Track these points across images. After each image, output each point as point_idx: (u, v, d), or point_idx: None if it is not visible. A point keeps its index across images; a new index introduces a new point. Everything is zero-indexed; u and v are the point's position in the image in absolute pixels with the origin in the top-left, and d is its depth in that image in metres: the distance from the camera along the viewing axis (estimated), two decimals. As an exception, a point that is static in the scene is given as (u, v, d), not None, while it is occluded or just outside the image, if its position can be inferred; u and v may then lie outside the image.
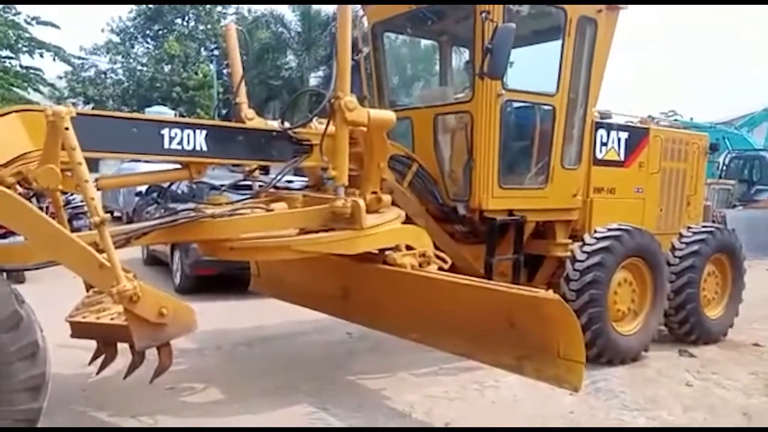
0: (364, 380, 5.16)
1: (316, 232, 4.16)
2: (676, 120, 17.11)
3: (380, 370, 5.38)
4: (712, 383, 5.27)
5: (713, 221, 12.63)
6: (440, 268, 4.38)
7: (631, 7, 6.15)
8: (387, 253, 4.34)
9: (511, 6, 5.24)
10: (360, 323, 5.06)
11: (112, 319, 3.76)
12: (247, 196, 4.66)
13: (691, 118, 21.08)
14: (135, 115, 4.21)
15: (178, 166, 4.17)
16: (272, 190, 4.84)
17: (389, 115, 4.42)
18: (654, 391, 5.01)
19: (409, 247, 4.42)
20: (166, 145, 3.92)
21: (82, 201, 11.11)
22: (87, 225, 11.17)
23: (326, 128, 4.21)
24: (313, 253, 4.06)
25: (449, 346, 4.18)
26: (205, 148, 4.06)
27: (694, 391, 5.07)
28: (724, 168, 19.72)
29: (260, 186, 4.84)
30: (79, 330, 3.98)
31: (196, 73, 35.24)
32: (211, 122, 4.31)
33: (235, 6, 40.69)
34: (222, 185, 5.52)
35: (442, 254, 4.49)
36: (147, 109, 24.61)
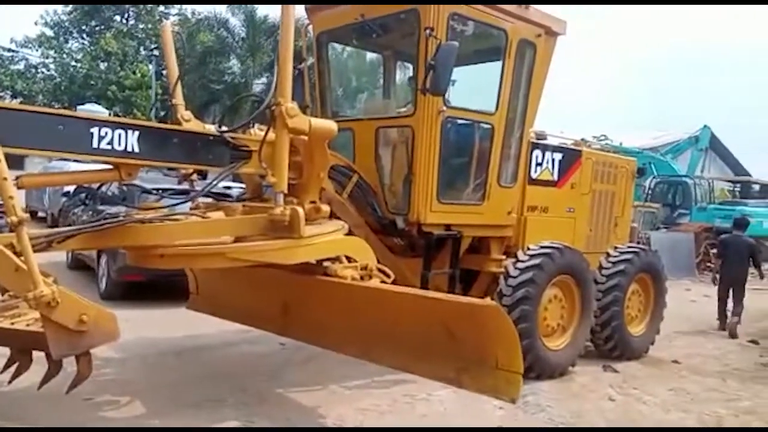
0: (294, 393, 5.07)
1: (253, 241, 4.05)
2: (606, 144, 17.91)
3: (312, 382, 5.31)
4: (633, 398, 5.47)
5: (638, 242, 13.21)
6: (382, 282, 4.31)
7: (567, 34, 6.39)
8: (327, 264, 4.25)
9: (454, 24, 5.33)
10: (300, 339, 4.92)
11: (27, 325, 3.56)
12: (182, 201, 4.49)
13: (621, 143, 22.10)
14: (62, 111, 3.99)
15: (109, 166, 4.00)
16: (205, 198, 4.73)
17: (331, 124, 4.38)
18: (579, 406, 5.15)
19: (351, 260, 4.34)
20: (95, 145, 3.72)
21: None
22: (8, 224, 10.64)
23: (266, 134, 4.13)
24: (248, 262, 3.94)
25: (389, 360, 4.10)
26: (137, 150, 3.88)
27: (616, 406, 5.25)
28: (650, 192, 20.70)
29: (196, 191, 4.69)
30: (-9, 336, 3.73)
31: (134, 73, 34.21)
32: (144, 123, 4.15)
33: (179, 7, 39.92)
34: (155, 189, 5.32)
35: (384, 268, 4.43)
36: (79, 107, 23.58)
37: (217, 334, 6.59)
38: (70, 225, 10.28)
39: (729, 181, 27.64)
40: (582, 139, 8.74)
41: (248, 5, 28.37)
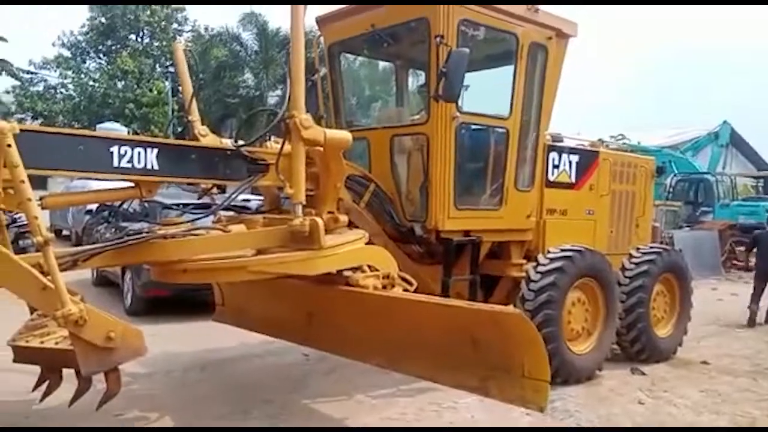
0: (319, 403, 5.08)
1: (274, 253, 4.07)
2: (624, 143, 17.75)
3: (337, 392, 5.31)
4: (663, 401, 5.39)
5: (661, 242, 13.06)
6: (405, 290, 4.29)
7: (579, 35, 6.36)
8: (349, 274, 4.22)
9: (464, 30, 5.34)
10: (325, 350, 4.91)
11: (56, 343, 3.60)
12: (203, 216, 4.54)
13: (639, 142, 21.90)
14: (83, 131, 4.06)
15: (130, 184, 4.06)
16: (226, 212, 4.77)
17: (345, 134, 4.40)
18: (607, 410, 5.08)
19: (373, 269, 4.31)
20: (116, 163, 3.80)
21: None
22: (34, 244, 10.83)
23: (282, 146, 4.16)
24: (270, 274, 3.95)
25: (413, 369, 4.06)
26: (156, 167, 3.95)
27: (645, 409, 5.17)
28: (671, 190, 20.45)
29: (215, 205, 4.73)
30: (22, 355, 3.79)
31: (151, 90, 34.68)
32: (162, 140, 4.21)
33: (192, 23, 40.45)
34: (176, 204, 5.38)
35: (407, 276, 4.40)
36: (98, 126, 23.98)
37: (240, 346, 6.63)
38: (94, 242, 10.44)
39: (751, 176, 27.20)
40: (599, 140, 8.68)
41: (260, 19, 28.68)
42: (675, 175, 20.55)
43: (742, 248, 17.65)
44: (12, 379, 4.29)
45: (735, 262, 17.53)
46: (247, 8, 29.08)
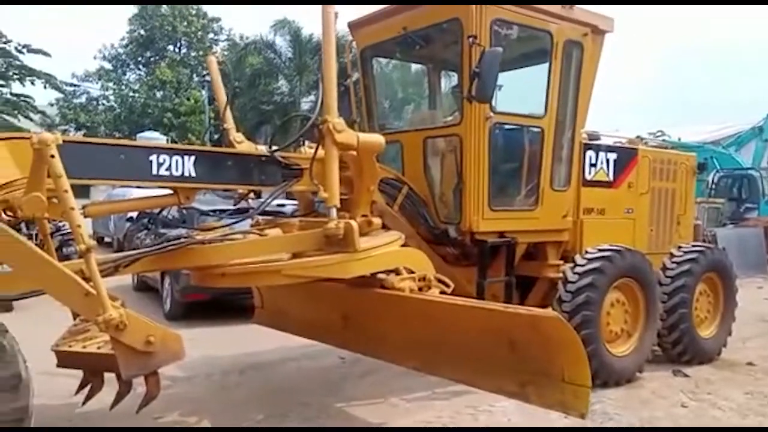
0: (356, 406, 5.09)
1: (310, 256, 4.10)
2: (663, 140, 17.34)
3: (373, 395, 5.31)
4: (708, 404, 5.24)
5: (704, 240, 12.69)
6: (442, 293, 4.26)
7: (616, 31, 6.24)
8: (384, 277, 4.23)
9: (497, 30, 5.29)
10: (361, 352, 4.91)
11: (98, 348, 3.69)
12: (239, 220, 4.61)
13: (679, 138, 21.35)
14: (122, 141, 4.18)
15: (168, 191, 4.15)
16: (263, 216, 4.83)
17: (378, 138, 4.41)
18: (649, 413, 4.97)
19: (409, 271, 4.31)
20: (155, 171, 3.89)
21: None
22: (77, 252, 11.16)
23: (315, 151, 4.19)
24: (305, 278, 3.98)
25: (450, 373, 4.03)
26: (193, 174, 4.03)
27: (689, 412, 5.03)
28: (713, 187, 19.87)
29: (251, 210, 4.80)
30: (65, 359, 3.90)
31: (188, 99, 35.48)
32: (199, 148, 4.30)
33: (227, 32, 41.19)
34: (213, 210, 5.48)
35: (443, 278, 4.37)
36: (139, 135, 24.62)
37: (278, 350, 6.70)
38: (134, 249, 10.70)
39: (798, 171, 26.20)
40: (637, 137, 8.50)
41: (294, 25, 29.01)
42: (717, 171, 19.96)
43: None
44: (56, 382, 4.42)
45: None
46: (279, 15, 29.50)
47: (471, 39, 5.07)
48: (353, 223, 3.99)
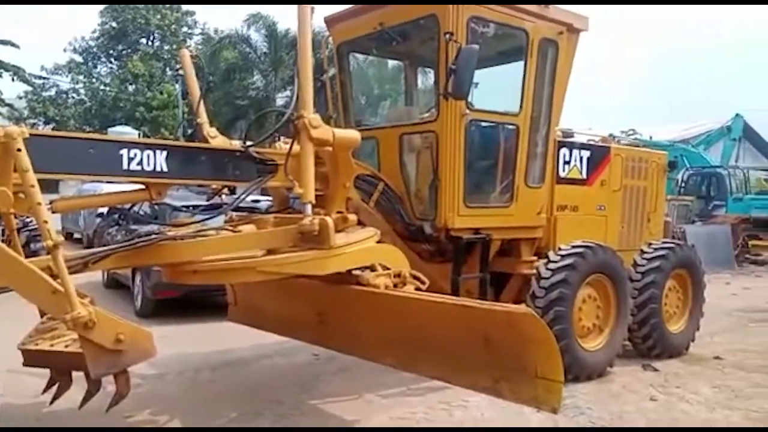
0: (330, 403, 5.07)
1: (284, 253, 4.06)
2: (635, 139, 17.62)
3: (347, 392, 5.30)
4: (676, 397, 5.33)
5: (673, 237, 12.94)
6: (417, 289, 4.26)
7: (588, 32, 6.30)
8: (359, 273, 4.21)
9: (474, 27, 5.31)
10: (336, 349, 4.89)
11: (66, 346, 3.61)
12: (212, 216, 4.55)
13: (650, 137, 21.71)
14: (92, 135, 4.08)
15: (140, 187, 4.08)
16: (237, 212, 4.77)
17: (354, 134, 4.39)
18: (619, 407, 5.04)
19: (384, 268, 4.29)
20: (125, 166, 3.81)
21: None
22: (44, 248, 10.92)
23: (291, 147, 4.15)
24: (280, 275, 3.94)
25: (425, 369, 4.04)
26: (165, 169, 3.96)
27: (658, 406, 5.12)
28: (683, 185, 20.28)
29: (224, 206, 4.74)
30: (32, 358, 3.81)
31: (161, 93, 34.92)
32: (171, 142, 4.23)
33: (202, 26, 40.67)
34: (185, 206, 5.40)
35: (419, 274, 4.37)
36: (110, 129, 24.20)
37: (251, 347, 6.64)
38: (105, 245, 10.51)
39: (765, 169, 26.86)
40: (610, 135, 8.61)
41: (269, 19, 28.73)
42: (687, 170, 20.36)
43: (756, 242, 17.58)
44: (22, 381, 4.32)
45: (747, 255, 17.39)
46: (253, 9, 29.19)
47: (447, 36, 5.08)
48: (328, 219, 3.96)
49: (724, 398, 5.33)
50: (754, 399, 5.31)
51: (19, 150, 3.08)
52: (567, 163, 6.53)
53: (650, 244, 6.85)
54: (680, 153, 19.86)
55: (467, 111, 5.32)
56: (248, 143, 4.46)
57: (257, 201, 8.78)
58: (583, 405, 4.99)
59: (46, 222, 3.09)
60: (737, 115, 22.27)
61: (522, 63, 5.77)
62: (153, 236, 3.89)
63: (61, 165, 3.64)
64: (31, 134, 3.24)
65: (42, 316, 4.16)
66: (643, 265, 6.51)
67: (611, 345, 5.95)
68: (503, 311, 3.50)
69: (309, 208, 3.98)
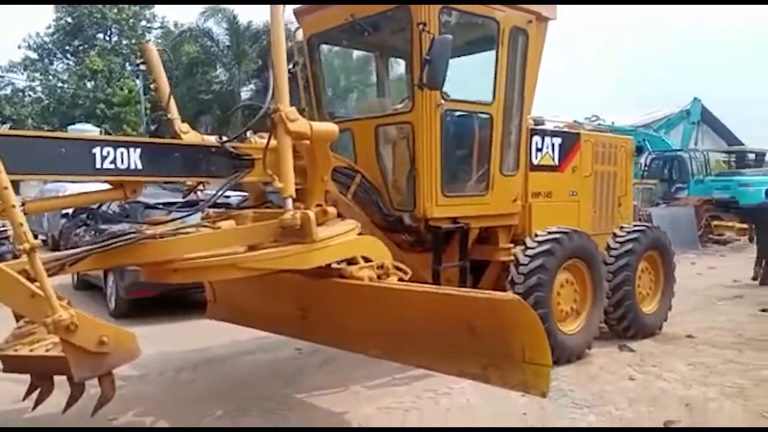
0: (316, 396, 5.07)
1: (266, 248, 4.01)
2: (598, 125, 17.89)
3: (332, 385, 5.29)
4: (653, 376, 5.48)
5: (639, 220, 13.26)
6: (400, 280, 4.27)
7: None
8: (342, 266, 4.20)
9: (446, 17, 5.32)
10: (321, 343, 4.88)
11: (47, 350, 3.52)
12: (189, 213, 4.47)
13: (613, 122, 22.09)
14: (63, 134, 3.97)
15: (108, 186, 3.99)
16: (213, 209, 4.71)
17: (332, 127, 4.37)
18: (600, 387, 5.16)
19: (366, 260, 4.29)
20: (99, 165, 3.71)
21: (3, 225, 10.47)
22: (11, 251, 10.57)
23: (268, 141, 4.10)
24: (262, 271, 3.90)
25: (412, 359, 4.05)
26: (140, 167, 3.88)
27: (636, 385, 5.25)
28: (646, 168, 20.73)
29: (200, 203, 4.66)
30: (12, 364, 3.69)
31: (122, 89, 34.08)
32: (145, 139, 4.13)
33: (161, 20, 39.80)
34: (159, 204, 5.30)
35: (401, 265, 4.39)
36: (70, 127, 23.55)
37: (231, 344, 6.58)
38: (72, 246, 10.24)
39: (724, 152, 27.64)
40: (574, 121, 8.72)
41: (230, 12, 28.26)
42: (649, 153, 20.80)
43: (718, 222, 18.14)
44: (1, 387, 4.19)
45: (710, 236, 17.92)
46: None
47: (421, 26, 5.08)
48: (310, 213, 3.94)
49: (699, 375, 5.50)
50: (728, 375, 5.48)
51: (-10, 151, 2.98)
52: (539, 150, 6.60)
53: (622, 227, 7.00)
54: (642, 137, 20.27)
55: (442, 101, 5.33)
56: (224, 139, 4.40)
57: (228, 196, 8.64)
58: (566, 387, 5.09)
59: (21, 224, 3.00)
60: (695, 99, 22.80)
61: (493, 52, 5.80)
62: (131, 235, 3.80)
63: (32, 165, 3.53)
64: (0, 134, 3.13)
65: (17, 321, 4.04)
66: (616, 249, 6.65)
67: (589, 327, 6.07)
68: (487, 298, 3.53)
69: (290, 202, 3.95)
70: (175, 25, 36.58)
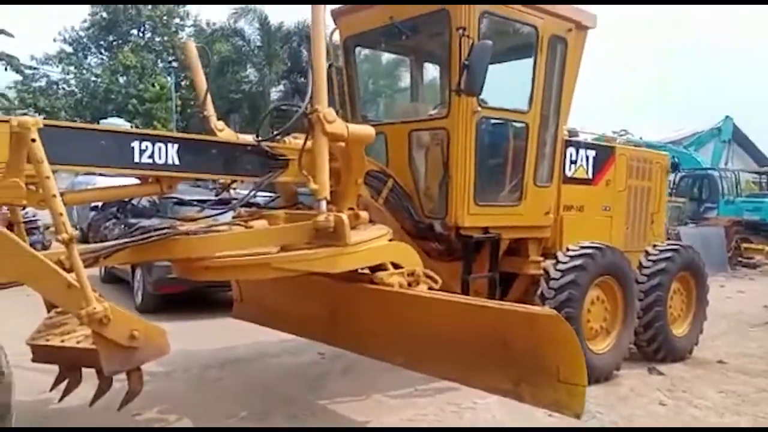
0: (339, 403, 5.01)
1: (298, 250, 3.98)
2: (627, 139, 17.64)
3: (355, 392, 5.23)
4: (684, 402, 5.31)
5: (668, 238, 12.99)
6: (430, 288, 4.21)
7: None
8: (373, 272, 4.15)
9: (486, 23, 5.25)
10: (347, 348, 4.80)
11: (78, 342, 3.51)
12: (223, 211, 4.46)
13: (641, 137, 21.76)
14: (103, 126, 3.99)
15: (137, 180, 3.99)
16: (245, 207, 4.69)
17: (369, 129, 4.33)
18: (629, 411, 5.02)
19: (397, 266, 4.23)
20: (137, 159, 3.71)
21: (34, 215, 10.61)
22: (40, 240, 10.71)
23: (305, 142, 4.08)
24: (294, 272, 3.86)
25: (440, 370, 3.97)
26: (177, 162, 3.86)
27: (668, 411, 5.10)
28: (675, 186, 20.36)
29: (233, 201, 4.65)
30: (42, 354, 3.70)
31: (153, 85, 34.57)
32: (183, 135, 4.12)
33: (194, 18, 40.30)
34: (193, 200, 5.30)
35: (431, 273, 4.32)
36: (102, 121, 23.89)
37: (255, 344, 6.56)
38: (101, 239, 10.35)
39: (755, 172, 27.07)
40: (602, 135, 8.57)
41: (261, 12, 28.45)
42: (679, 171, 20.44)
43: (748, 245, 17.70)
44: (28, 378, 4.20)
45: (740, 259, 17.50)
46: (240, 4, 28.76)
47: (460, 31, 5.01)
48: (344, 216, 3.90)
49: (732, 403, 5.32)
50: (761, 404, 5.30)
51: (33, 140, 2.99)
52: (573, 162, 6.48)
53: (655, 245, 6.83)
54: (672, 154, 19.86)
55: (479, 108, 5.26)
56: (260, 137, 4.38)
57: (254, 196, 8.66)
58: (594, 408, 4.95)
59: (61, 215, 3.00)
60: (727, 117, 22.37)
61: (531, 60, 5.72)
62: (166, 230, 3.80)
63: (73, 156, 3.52)
64: (45, 125, 3.14)
65: (49, 311, 4.06)
66: (649, 267, 6.49)
67: (618, 347, 5.92)
68: (526, 312, 3.43)
69: (324, 204, 3.92)
70: (207, 24, 36.97)
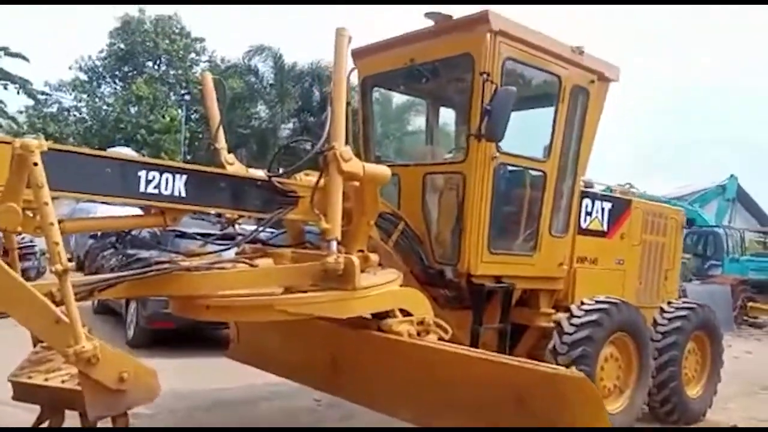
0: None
1: (304, 292, 3.77)
2: (632, 192, 17.57)
3: (353, 445, 4.95)
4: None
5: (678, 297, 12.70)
6: (440, 338, 4.00)
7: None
8: (381, 319, 3.95)
9: (509, 69, 5.16)
10: (349, 399, 4.56)
11: (63, 381, 3.29)
12: (229, 247, 4.28)
13: (645, 191, 21.66)
14: (109, 153, 3.84)
15: (137, 210, 3.82)
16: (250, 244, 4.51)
17: (385, 170, 4.19)
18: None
19: (406, 313, 4.03)
20: (142, 189, 3.56)
21: (31, 240, 10.44)
22: (35, 267, 10.50)
23: (318, 179, 3.92)
24: (299, 316, 3.66)
25: (447, 425, 3.71)
26: (183, 194, 3.71)
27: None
28: (680, 242, 20.12)
29: (238, 237, 4.47)
30: (23, 392, 3.46)
31: (164, 117, 34.82)
32: (192, 166, 3.97)
33: (209, 54, 40.91)
34: (196, 234, 5.13)
35: (442, 322, 4.12)
36: (109, 149, 23.92)
37: (248, 386, 6.29)
38: (98, 268, 10.14)
39: (759, 231, 26.92)
40: (607, 188, 8.43)
41: (276, 50, 28.85)
42: (684, 227, 20.24)
43: (753, 304, 17.41)
44: (10, 415, 3.95)
45: (746, 317, 17.20)
46: (256, 42, 29.25)
47: (484, 76, 4.92)
48: (355, 258, 3.72)
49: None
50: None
51: (35, 164, 2.82)
52: (589, 213, 6.31)
53: (670, 302, 6.61)
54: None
55: (497, 154, 5.13)
56: (271, 173, 4.24)
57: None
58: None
59: (57, 244, 2.81)
60: (732, 176, 22.35)
61: (552, 109, 5.62)
62: (167, 266, 3.60)
63: (76, 183, 3.38)
64: (49, 148, 2.99)
65: (35, 345, 3.83)
66: (664, 325, 6.25)
67: (632, 408, 5.63)
68: (550, 373, 3.21)
69: (334, 245, 3.75)
70: (222, 60, 37.46)
